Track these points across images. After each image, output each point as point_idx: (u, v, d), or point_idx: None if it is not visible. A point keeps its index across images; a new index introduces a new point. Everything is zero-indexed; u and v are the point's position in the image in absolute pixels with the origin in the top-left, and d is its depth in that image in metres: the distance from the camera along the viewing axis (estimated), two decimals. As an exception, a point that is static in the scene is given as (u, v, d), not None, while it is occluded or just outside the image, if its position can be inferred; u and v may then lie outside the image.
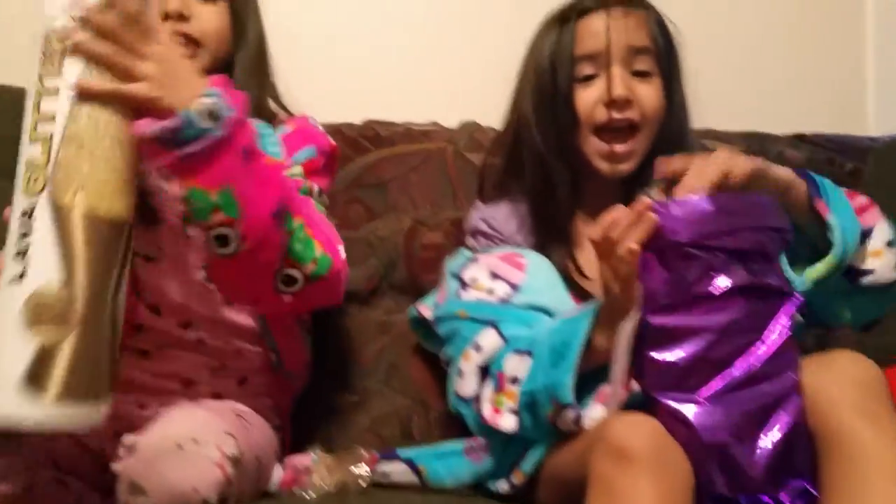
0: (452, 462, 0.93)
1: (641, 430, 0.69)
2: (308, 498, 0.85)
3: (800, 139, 1.35)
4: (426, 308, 1.04)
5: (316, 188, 0.96)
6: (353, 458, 0.88)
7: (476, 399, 0.88)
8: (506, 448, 0.89)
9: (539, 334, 0.85)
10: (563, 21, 1.00)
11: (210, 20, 0.97)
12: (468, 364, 0.89)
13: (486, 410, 0.86)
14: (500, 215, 1.03)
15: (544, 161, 0.99)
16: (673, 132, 1.01)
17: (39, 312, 0.67)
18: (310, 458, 0.90)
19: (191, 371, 0.93)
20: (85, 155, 0.70)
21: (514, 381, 0.84)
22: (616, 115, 0.96)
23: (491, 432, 0.88)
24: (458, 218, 1.18)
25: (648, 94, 0.97)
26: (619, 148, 0.97)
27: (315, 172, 0.97)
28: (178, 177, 0.75)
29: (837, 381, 0.72)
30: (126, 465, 0.72)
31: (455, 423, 1.07)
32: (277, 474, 0.91)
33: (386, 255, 1.17)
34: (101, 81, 0.71)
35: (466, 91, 1.37)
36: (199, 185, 0.74)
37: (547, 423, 0.81)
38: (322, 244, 0.84)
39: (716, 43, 1.40)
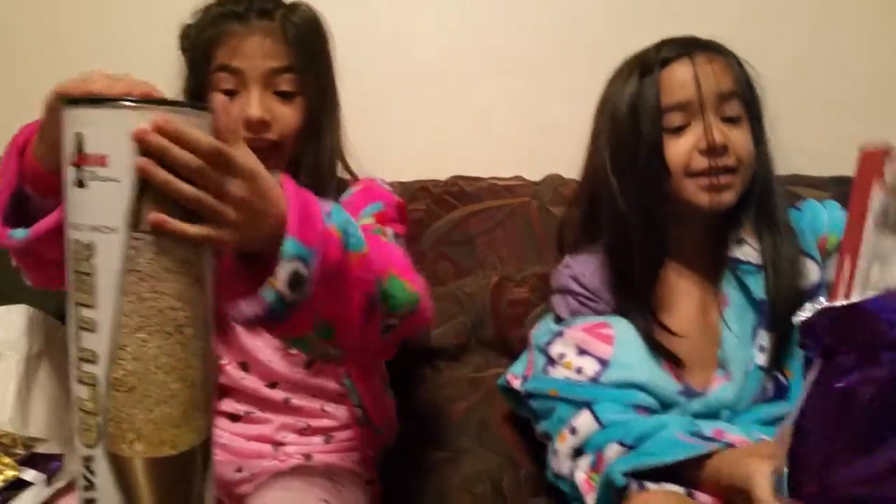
0: None
1: None
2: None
3: (842, 182, 1.28)
4: (514, 377, 1.03)
5: (390, 230, 0.96)
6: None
7: (568, 478, 0.89)
8: None
9: (658, 425, 0.86)
10: (643, 71, 0.98)
11: (291, 120, 0.97)
12: (563, 446, 0.91)
13: (580, 479, 0.87)
14: (589, 271, 1.01)
15: (623, 216, 0.97)
16: (763, 177, 0.99)
17: None
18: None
19: (278, 433, 0.98)
20: (135, 399, 0.62)
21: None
22: (713, 162, 0.94)
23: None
24: (544, 272, 1.18)
25: (740, 139, 0.96)
26: (724, 179, 0.95)
27: (386, 221, 0.97)
28: (271, 335, 0.74)
29: None
30: None
31: (545, 484, 1.08)
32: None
33: (474, 312, 1.18)
34: (182, 225, 0.61)
35: (550, 144, 1.37)
36: (292, 337, 0.74)
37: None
38: (407, 279, 0.82)
39: (801, 84, 1.36)
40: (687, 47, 0.97)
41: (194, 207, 0.61)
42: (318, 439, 0.99)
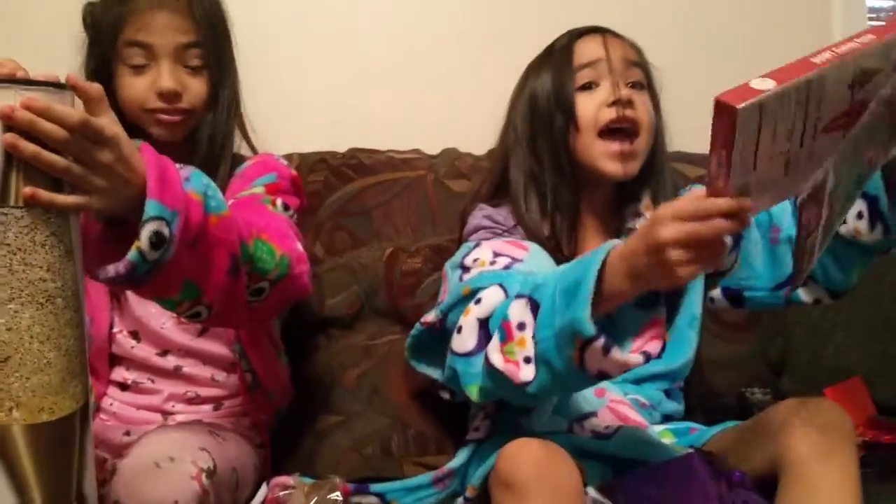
0: (421, 493, 0.97)
1: (524, 458, 0.76)
2: (286, 518, 0.91)
3: None
4: (431, 316, 0.98)
5: (279, 201, 1.01)
6: (329, 487, 0.93)
7: (474, 353, 0.84)
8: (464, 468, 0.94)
9: (543, 279, 0.81)
10: (558, 47, 1.06)
11: (199, 91, 1.02)
12: (467, 318, 0.85)
13: (498, 361, 0.80)
14: (501, 216, 1.05)
15: (536, 178, 1.03)
16: (659, 152, 1.06)
17: None
18: (291, 481, 0.96)
19: (168, 401, 1.01)
20: (12, 369, 0.63)
21: (521, 326, 0.79)
22: (620, 112, 1.00)
23: (491, 389, 0.83)
24: (437, 244, 1.23)
25: (644, 103, 1.03)
26: (628, 147, 1.00)
27: (278, 191, 1.02)
28: (135, 293, 0.79)
29: (806, 422, 0.81)
30: (110, 487, 0.77)
31: (431, 442, 1.14)
32: (261, 493, 0.97)
33: (367, 282, 1.22)
34: (53, 195, 0.64)
35: (449, 118, 1.42)
36: (158, 295, 0.78)
37: (571, 368, 0.76)
38: (277, 244, 0.87)
39: (682, 63, 1.43)
40: (597, 28, 1.07)
41: (64, 177, 0.64)
42: (207, 407, 1.02)
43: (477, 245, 0.97)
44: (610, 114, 1.00)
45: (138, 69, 0.99)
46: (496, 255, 0.93)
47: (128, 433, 0.97)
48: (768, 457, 0.84)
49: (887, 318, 1.26)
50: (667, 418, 1.04)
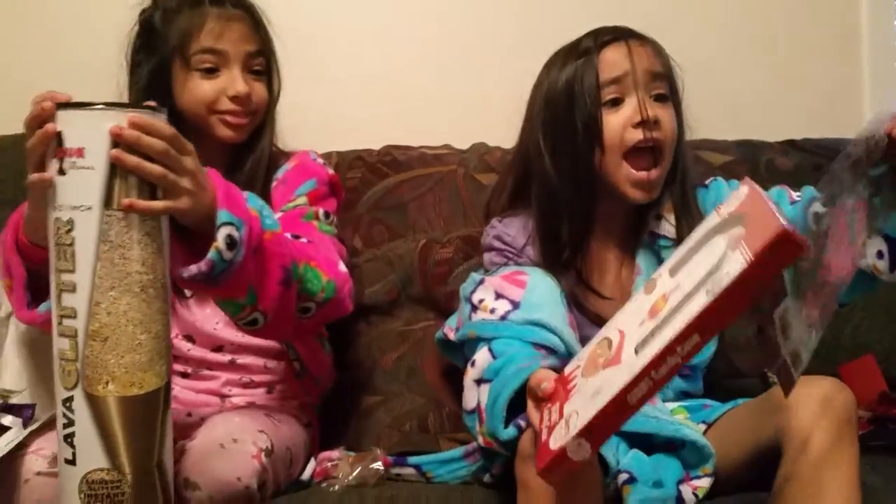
0: (454, 466, 1.06)
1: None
2: (333, 489, 1.01)
3: (790, 145, 1.43)
4: (451, 330, 1.11)
5: (321, 211, 1.11)
6: (371, 458, 1.03)
7: (475, 412, 0.95)
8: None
9: (503, 363, 0.92)
10: (581, 55, 1.06)
11: (263, 95, 1.12)
12: (467, 379, 0.98)
13: (481, 440, 0.94)
14: (513, 230, 1.10)
15: (553, 188, 1.05)
16: (681, 157, 1.08)
17: (93, 494, 0.75)
18: (336, 454, 1.06)
19: (225, 386, 1.11)
20: (109, 348, 0.75)
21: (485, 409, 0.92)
22: (647, 134, 1.01)
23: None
24: (467, 235, 1.31)
25: (668, 116, 1.05)
26: (654, 175, 1.03)
27: (319, 199, 1.12)
28: (210, 295, 0.90)
29: (812, 397, 0.85)
30: (179, 466, 0.87)
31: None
32: (310, 467, 1.08)
33: (403, 271, 1.30)
34: (150, 202, 0.76)
35: (477, 114, 1.48)
36: (229, 297, 0.88)
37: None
38: (325, 271, 0.98)
39: (706, 50, 1.46)
40: (622, 33, 1.07)
41: (159, 182, 0.76)
42: (260, 391, 1.13)
43: (481, 283, 1.04)
44: (636, 135, 1.02)
45: (209, 73, 1.09)
46: (497, 296, 1.01)
47: (189, 414, 1.07)
48: (773, 428, 0.88)
49: (906, 299, 1.30)
50: (685, 395, 1.10)
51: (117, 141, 0.74)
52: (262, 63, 1.13)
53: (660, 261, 1.07)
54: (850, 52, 1.57)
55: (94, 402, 0.75)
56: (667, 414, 0.99)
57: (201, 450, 0.88)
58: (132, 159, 0.74)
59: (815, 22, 1.56)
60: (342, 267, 1.04)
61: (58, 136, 0.75)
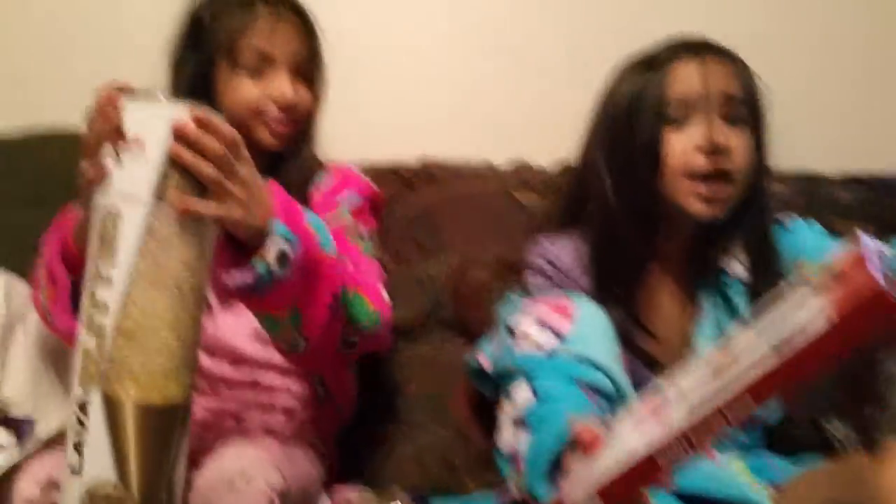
0: None
1: None
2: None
3: (853, 180, 1.34)
4: (485, 357, 1.03)
5: (365, 230, 1.05)
6: (390, 498, 0.95)
7: (512, 458, 0.85)
8: None
9: (548, 410, 0.83)
10: (649, 67, 0.97)
11: (310, 103, 1.07)
12: (504, 416, 0.88)
13: (515, 492, 0.84)
14: (561, 253, 1.02)
15: (613, 212, 0.97)
16: (758, 190, 0.98)
17: None
18: (354, 493, 0.98)
19: (242, 409, 1.03)
20: (137, 347, 0.71)
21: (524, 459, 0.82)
22: (712, 162, 0.93)
23: None
24: (505, 257, 1.23)
25: (742, 144, 0.95)
26: (720, 191, 0.94)
27: (361, 216, 1.06)
28: (250, 308, 0.84)
29: None
30: (184, 501, 0.79)
31: (492, 459, 1.14)
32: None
33: (434, 293, 1.23)
34: (199, 202, 0.73)
35: (518, 130, 1.41)
36: (272, 312, 0.83)
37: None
38: (371, 300, 0.92)
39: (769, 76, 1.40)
40: (698, 46, 0.97)
41: (212, 186, 0.73)
42: (280, 416, 1.04)
43: (523, 308, 0.95)
44: (701, 161, 0.93)
45: (256, 74, 1.03)
46: (541, 326, 0.91)
47: (200, 438, 1.00)
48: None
49: None
50: (742, 446, 1.00)
51: (177, 136, 0.72)
52: (311, 69, 1.07)
53: (727, 302, 0.99)
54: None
55: (112, 406, 0.70)
56: (731, 473, 0.90)
57: (209, 485, 0.81)
58: (190, 156, 0.71)
59: (884, 53, 1.47)
60: (385, 297, 0.98)
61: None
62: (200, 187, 0.73)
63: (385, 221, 1.26)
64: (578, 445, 0.73)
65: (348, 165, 1.14)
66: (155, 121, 0.72)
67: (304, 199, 1.06)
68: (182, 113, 0.72)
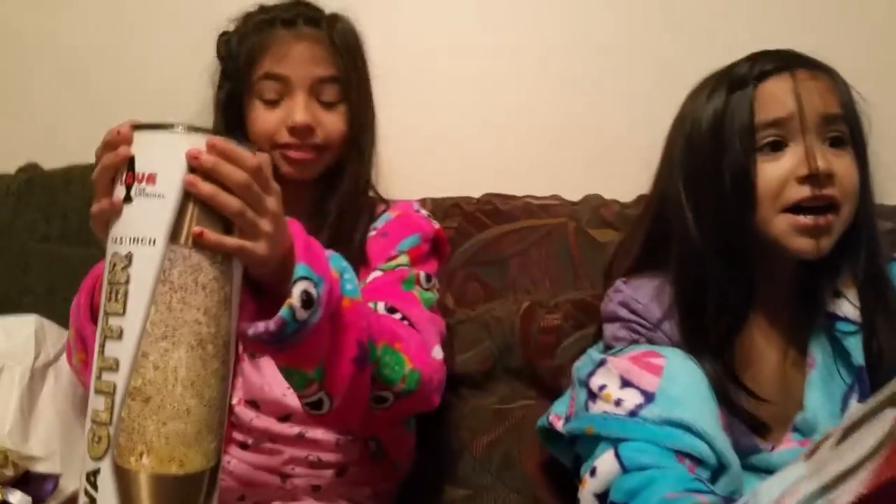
0: None
1: None
2: None
3: None
4: (558, 418, 0.92)
5: (423, 275, 0.94)
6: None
7: None
8: None
9: (643, 482, 0.72)
10: (734, 86, 0.85)
11: (334, 127, 0.98)
12: (584, 492, 0.77)
13: None
14: (645, 297, 0.89)
15: (698, 251, 0.84)
16: (867, 217, 0.86)
17: None
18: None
19: (289, 464, 0.92)
20: (150, 411, 0.61)
21: None
22: (816, 191, 0.81)
23: None
24: (580, 299, 1.11)
25: (846, 168, 0.83)
26: (823, 221, 0.81)
27: (421, 259, 0.96)
28: (274, 360, 0.74)
29: None
30: None
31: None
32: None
33: (501, 338, 1.11)
34: (222, 237, 0.63)
35: (590, 163, 1.31)
36: (297, 366, 0.73)
37: None
38: (412, 357, 0.81)
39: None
40: (787, 61, 0.85)
41: (236, 218, 0.63)
42: (329, 472, 0.93)
43: (602, 364, 0.83)
44: (801, 192, 0.81)
45: (271, 103, 0.97)
46: (624, 383, 0.80)
47: (242, 497, 0.89)
48: None
49: None
50: None
51: (193, 166, 0.62)
52: (336, 91, 0.98)
53: (840, 351, 0.85)
54: None
55: (124, 478, 0.60)
56: None
57: None
58: (207, 187, 0.62)
59: None
60: (437, 353, 0.87)
61: (129, 161, 0.64)
62: (222, 224, 0.64)
63: (447, 260, 1.16)
64: None
65: (408, 202, 1.06)
66: (169, 152, 0.63)
67: (362, 240, 0.97)
68: (198, 142, 0.63)
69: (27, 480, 0.79)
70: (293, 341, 0.68)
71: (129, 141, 0.63)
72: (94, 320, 0.75)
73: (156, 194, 0.62)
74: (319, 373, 0.72)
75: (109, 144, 0.63)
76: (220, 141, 0.63)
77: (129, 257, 0.62)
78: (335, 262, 0.74)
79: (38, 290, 1.10)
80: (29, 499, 0.76)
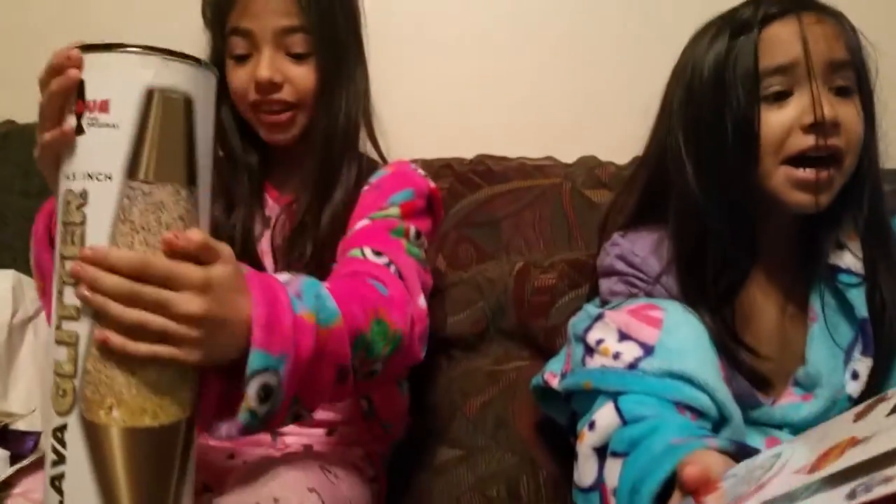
0: None
1: None
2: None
3: None
4: (553, 376, 0.90)
5: (413, 229, 0.91)
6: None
7: (593, 489, 0.72)
8: None
9: (643, 431, 0.69)
10: (736, 31, 0.81)
11: (306, 81, 0.92)
12: (583, 446, 0.74)
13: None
14: (642, 250, 0.87)
15: (698, 205, 0.82)
16: (871, 168, 0.83)
17: None
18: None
19: None
20: (118, 360, 0.57)
21: (615, 492, 0.68)
22: (821, 141, 0.78)
23: None
24: (574, 259, 1.09)
25: (852, 116, 0.80)
26: (824, 175, 0.78)
27: (413, 214, 0.92)
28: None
29: None
30: None
31: (565, 486, 0.98)
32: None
33: (495, 299, 1.09)
34: (128, 342, 0.57)
35: (584, 124, 1.29)
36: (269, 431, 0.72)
37: None
38: (395, 319, 0.77)
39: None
40: (792, 3, 0.81)
41: (139, 331, 0.56)
42: (319, 431, 0.92)
43: (600, 318, 0.80)
44: (805, 141, 0.78)
45: (241, 59, 0.92)
46: (622, 337, 0.77)
47: (232, 456, 0.87)
48: None
49: None
50: None
51: (75, 279, 0.57)
52: (305, 42, 0.91)
53: (842, 304, 0.83)
54: None
55: (93, 433, 0.57)
56: None
57: None
58: (97, 300, 0.56)
59: None
60: (421, 302, 0.83)
61: (79, 87, 0.58)
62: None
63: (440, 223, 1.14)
64: (686, 487, 0.57)
65: (403, 161, 1.02)
66: (124, 77, 0.58)
67: (329, 196, 0.93)
68: (157, 66, 0.57)
69: (7, 437, 0.76)
70: (261, 428, 0.65)
71: (78, 64, 0.58)
72: (53, 246, 0.71)
73: (110, 124, 0.57)
74: (293, 408, 0.68)
75: (56, 68, 0.58)
76: (96, 248, 0.56)
77: (84, 195, 0.57)
78: (308, 295, 0.67)
79: (17, 246, 1.06)
80: (6, 453, 0.72)
